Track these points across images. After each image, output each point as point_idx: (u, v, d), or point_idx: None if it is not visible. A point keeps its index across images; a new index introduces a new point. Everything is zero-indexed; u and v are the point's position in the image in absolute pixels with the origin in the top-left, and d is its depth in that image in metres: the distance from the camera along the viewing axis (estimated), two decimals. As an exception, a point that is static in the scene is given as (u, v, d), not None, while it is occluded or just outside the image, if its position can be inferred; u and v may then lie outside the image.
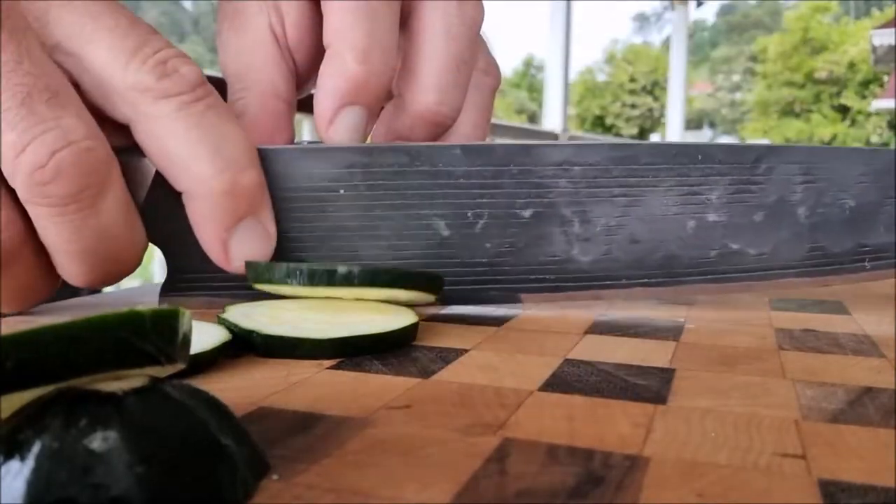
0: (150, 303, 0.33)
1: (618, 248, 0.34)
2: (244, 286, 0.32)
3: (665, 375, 0.25)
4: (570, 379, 0.24)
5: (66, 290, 0.34)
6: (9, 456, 0.14)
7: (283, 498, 0.15)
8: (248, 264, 0.30)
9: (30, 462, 0.14)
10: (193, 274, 0.33)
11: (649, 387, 0.23)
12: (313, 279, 0.28)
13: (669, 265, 0.34)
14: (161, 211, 0.31)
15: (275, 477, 0.16)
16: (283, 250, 0.33)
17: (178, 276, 0.34)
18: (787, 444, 0.19)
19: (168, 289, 0.34)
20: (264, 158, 0.32)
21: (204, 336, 0.26)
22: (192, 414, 0.15)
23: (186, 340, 0.16)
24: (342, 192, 0.33)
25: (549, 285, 0.34)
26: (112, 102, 0.29)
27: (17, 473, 0.14)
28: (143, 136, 0.30)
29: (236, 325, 0.27)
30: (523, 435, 0.19)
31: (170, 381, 0.16)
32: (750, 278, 0.35)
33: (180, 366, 0.16)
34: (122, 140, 0.30)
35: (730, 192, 0.34)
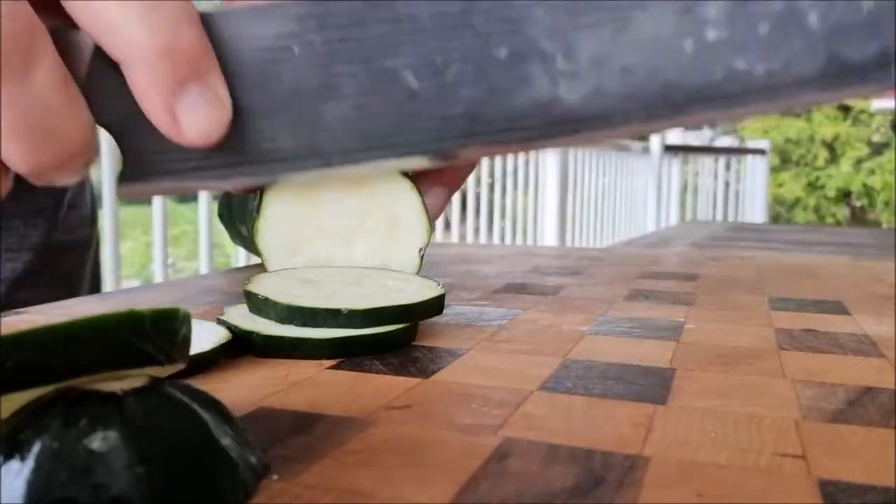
0: (149, 302, 0.33)
1: (609, 81, 0.30)
2: (209, 165, 0.30)
3: (665, 375, 0.25)
4: (570, 379, 0.24)
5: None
6: (9, 456, 0.14)
7: (283, 498, 0.15)
8: (248, 294, 0.29)
9: (30, 462, 0.14)
10: (150, 156, 0.30)
11: (649, 387, 0.23)
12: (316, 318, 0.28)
13: (669, 94, 0.31)
14: (104, 88, 0.29)
15: (275, 477, 0.16)
16: (240, 122, 0.30)
17: (134, 160, 0.31)
18: (787, 444, 0.19)
19: (127, 177, 0.31)
20: (206, 24, 0.30)
21: (204, 336, 0.26)
22: (192, 414, 0.15)
23: (186, 340, 0.16)
24: (296, 50, 0.31)
25: (536, 132, 0.31)
26: None
27: (17, 473, 0.14)
28: (72, 7, 0.28)
29: (236, 326, 0.27)
30: (523, 435, 0.19)
31: (170, 381, 0.16)
32: (761, 99, 0.31)
33: (180, 366, 0.16)
34: (57, 19, 0.29)
35: (728, 2, 0.30)
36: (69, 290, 0.57)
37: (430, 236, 0.33)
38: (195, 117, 0.29)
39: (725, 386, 0.24)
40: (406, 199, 0.33)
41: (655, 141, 4.51)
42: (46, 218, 0.54)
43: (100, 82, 0.29)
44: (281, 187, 0.33)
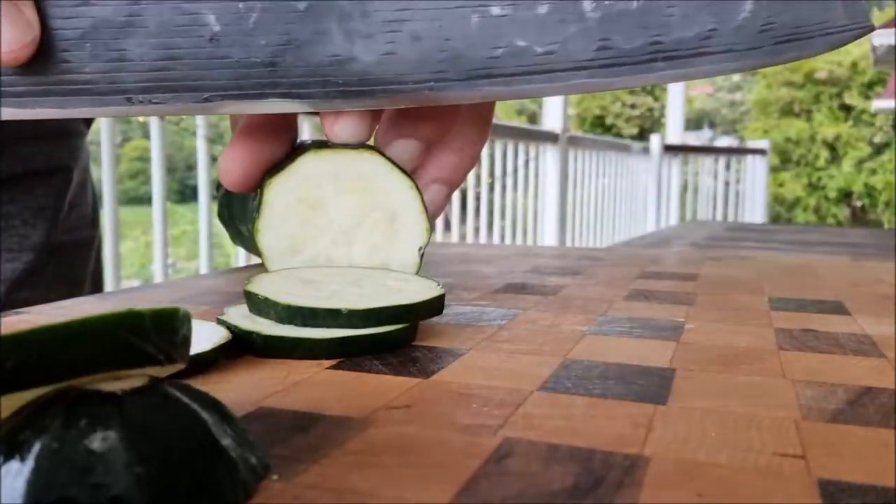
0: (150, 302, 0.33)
1: (401, 45, 0.31)
2: (14, 90, 0.30)
3: (665, 375, 0.25)
4: (570, 379, 0.24)
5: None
6: (9, 456, 0.14)
7: (283, 498, 0.15)
8: (248, 294, 0.29)
9: (30, 462, 0.14)
10: None
11: (649, 387, 0.23)
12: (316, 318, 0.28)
13: (456, 64, 0.32)
14: None
15: (275, 477, 0.16)
16: (47, 49, 0.30)
17: None
18: (787, 444, 0.19)
19: None
20: None
21: (204, 336, 0.26)
22: (192, 414, 0.15)
23: (186, 340, 0.16)
24: None
25: (334, 89, 0.32)
26: None
27: (17, 473, 0.14)
28: None
29: (236, 326, 0.27)
30: (523, 435, 0.19)
31: (170, 381, 0.16)
32: (540, 79, 0.32)
33: (180, 366, 0.16)
34: None
35: None
36: (70, 290, 0.57)
37: (429, 236, 0.33)
38: (2, 34, 0.29)
39: (725, 386, 0.24)
40: (405, 198, 0.33)
41: (655, 141, 4.51)
42: (47, 218, 0.54)
43: None
44: (281, 185, 0.33)
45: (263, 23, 0.31)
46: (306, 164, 0.33)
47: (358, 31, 0.31)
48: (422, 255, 0.33)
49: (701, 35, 0.31)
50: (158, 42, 0.31)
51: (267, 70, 0.31)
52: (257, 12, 0.31)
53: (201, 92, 0.31)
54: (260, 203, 0.33)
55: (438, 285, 0.31)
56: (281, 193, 0.33)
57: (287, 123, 0.35)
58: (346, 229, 0.33)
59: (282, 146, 0.34)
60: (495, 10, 0.31)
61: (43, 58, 0.30)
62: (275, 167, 0.33)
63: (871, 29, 0.32)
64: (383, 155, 0.33)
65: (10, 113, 0.31)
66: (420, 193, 0.33)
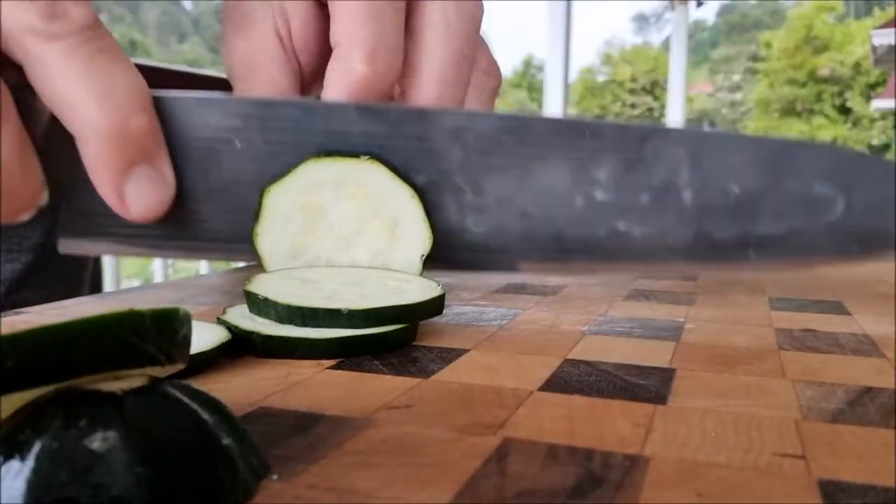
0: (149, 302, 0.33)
1: (510, 221, 0.34)
2: (146, 235, 0.31)
3: (665, 375, 0.25)
4: (570, 379, 0.24)
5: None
6: (9, 456, 0.14)
7: (283, 498, 0.15)
8: (249, 295, 0.30)
9: (30, 462, 0.14)
10: (92, 218, 0.32)
11: (649, 387, 0.23)
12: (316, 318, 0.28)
13: (559, 242, 0.34)
14: (59, 150, 0.31)
15: (275, 477, 0.16)
16: (179, 201, 0.32)
17: (74, 218, 0.33)
18: (787, 444, 0.19)
19: (65, 231, 0.33)
20: (159, 106, 0.31)
21: (204, 336, 0.26)
22: (192, 414, 0.15)
23: (186, 340, 0.16)
24: (238, 144, 0.33)
25: (438, 259, 0.34)
26: (6, 42, 0.29)
27: (17, 473, 0.14)
28: (33, 77, 0.29)
29: (236, 326, 0.27)
30: (523, 435, 0.19)
31: (170, 381, 0.16)
32: (636, 259, 0.34)
33: (180, 366, 0.16)
34: (19, 77, 0.30)
35: (617, 171, 0.34)
36: (70, 290, 0.57)
37: (431, 243, 0.33)
38: (140, 196, 0.31)
39: (725, 386, 0.24)
40: (406, 206, 0.33)
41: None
42: (46, 218, 0.54)
43: (54, 144, 0.31)
44: (280, 192, 0.33)
45: None
46: (305, 172, 0.33)
47: (470, 205, 0.34)
48: (424, 262, 0.33)
49: (792, 230, 0.34)
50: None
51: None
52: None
53: None
54: (259, 209, 0.32)
55: (438, 285, 0.31)
56: (280, 200, 0.33)
57: None
58: (346, 235, 0.33)
59: None
60: (600, 196, 0.34)
61: (175, 208, 0.32)
62: (274, 175, 0.33)
63: None
64: (383, 163, 0.33)
65: (136, 252, 0.33)
66: (421, 201, 0.33)
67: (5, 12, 0.28)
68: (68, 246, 0.33)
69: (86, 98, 0.29)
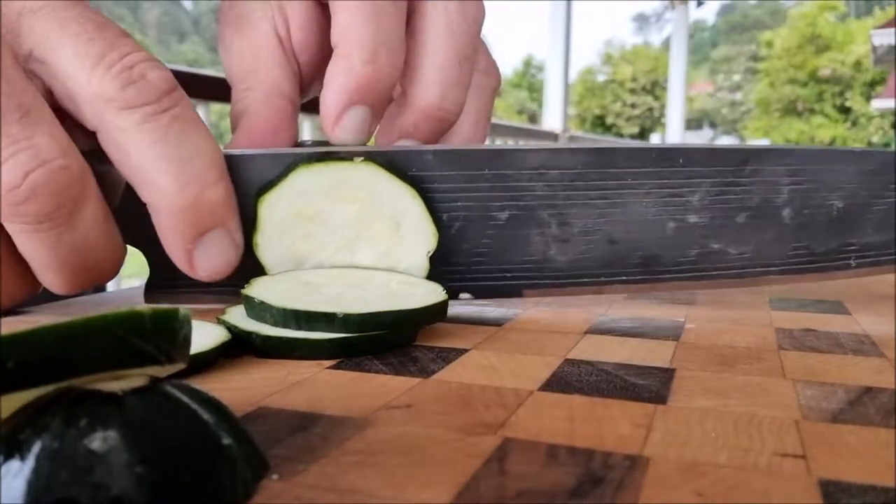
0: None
1: (595, 248, 0.34)
2: (228, 285, 0.31)
3: (665, 375, 0.25)
4: (570, 379, 0.24)
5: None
6: (9, 456, 0.14)
7: (283, 498, 0.15)
8: (246, 298, 0.30)
9: (30, 462, 0.14)
10: (175, 272, 0.32)
11: (649, 387, 0.23)
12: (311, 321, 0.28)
13: (648, 265, 0.34)
14: (136, 212, 0.31)
15: (275, 477, 0.16)
16: (247, 259, 0.32)
17: (160, 274, 0.33)
18: (787, 444, 0.19)
19: (152, 287, 0.34)
20: (231, 164, 0.31)
21: (204, 336, 0.26)
22: (192, 414, 0.16)
23: (186, 340, 0.16)
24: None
25: (525, 283, 0.35)
26: (80, 110, 0.29)
27: (17, 473, 0.14)
28: (108, 145, 0.29)
29: (236, 326, 0.27)
30: (523, 435, 0.19)
31: (170, 381, 0.16)
32: (729, 276, 0.34)
33: (180, 366, 0.16)
34: (96, 143, 0.30)
35: (711, 196, 0.33)
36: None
37: (436, 240, 0.33)
38: (208, 260, 0.31)
39: (725, 386, 0.24)
40: (407, 205, 0.33)
41: (656, 140, 4.51)
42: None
43: (133, 207, 0.31)
44: (273, 201, 0.32)
45: (465, 231, 0.34)
46: (298, 180, 0.32)
47: (555, 237, 0.34)
48: (431, 260, 0.33)
49: (892, 238, 0.34)
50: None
51: (464, 269, 0.34)
52: (460, 222, 0.34)
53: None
54: (256, 217, 0.32)
55: (443, 290, 0.30)
56: (275, 209, 0.32)
57: (287, 123, 0.35)
58: (349, 239, 0.33)
59: (282, 146, 0.34)
60: (692, 219, 0.34)
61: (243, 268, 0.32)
62: (267, 182, 0.33)
63: None
64: (377, 164, 0.33)
65: (216, 300, 0.33)
66: (423, 199, 0.33)
67: (82, 79, 0.28)
68: (153, 299, 0.34)
69: (161, 169, 0.29)
